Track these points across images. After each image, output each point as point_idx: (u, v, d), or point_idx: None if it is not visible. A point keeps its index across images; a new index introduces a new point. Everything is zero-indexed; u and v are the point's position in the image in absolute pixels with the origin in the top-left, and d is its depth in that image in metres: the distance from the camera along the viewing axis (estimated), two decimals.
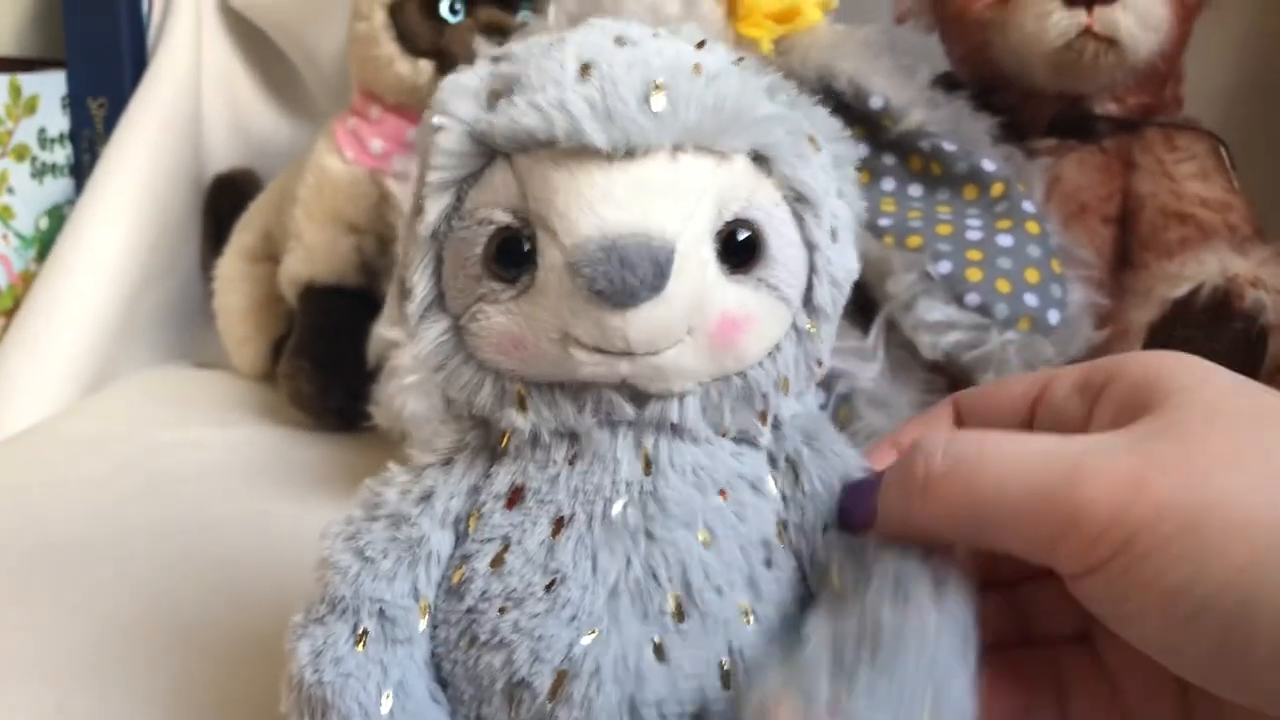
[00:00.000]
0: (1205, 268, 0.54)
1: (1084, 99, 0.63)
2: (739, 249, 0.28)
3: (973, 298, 0.53)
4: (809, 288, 0.30)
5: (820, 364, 0.31)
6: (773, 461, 0.31)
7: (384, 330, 0.58)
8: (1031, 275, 0.54)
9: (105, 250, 0.77)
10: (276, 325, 0.77)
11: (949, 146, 0.56)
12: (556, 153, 0.27)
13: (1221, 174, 0.62)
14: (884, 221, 0.56)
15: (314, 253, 0.72)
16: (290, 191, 0.75)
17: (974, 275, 0.53)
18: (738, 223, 0.28)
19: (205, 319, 0.82)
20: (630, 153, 0.26)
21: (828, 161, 0.30)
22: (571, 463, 0.29)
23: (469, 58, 0.34)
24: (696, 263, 0.27)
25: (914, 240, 0.55)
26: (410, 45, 0.68)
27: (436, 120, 0.29)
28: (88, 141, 0.86)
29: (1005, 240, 0.54)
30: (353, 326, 0.64)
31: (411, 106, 0.70)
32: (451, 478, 0.30)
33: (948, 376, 0.55)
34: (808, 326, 0.30)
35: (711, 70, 0.28)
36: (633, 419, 0.29)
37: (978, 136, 0.57)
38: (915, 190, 0.58)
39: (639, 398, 0.29)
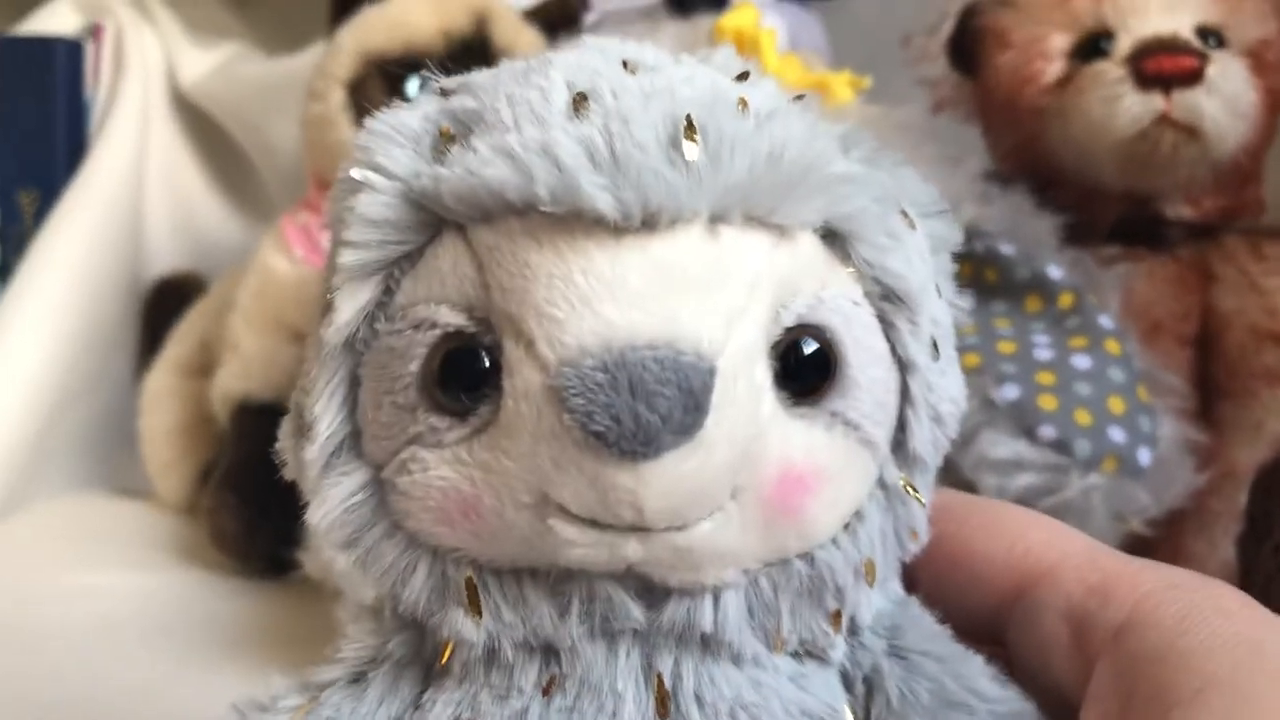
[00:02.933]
0: None
1: (1154, 200, 0.56)
2: (806, 368, 0.20)
3: (1047, 431, 0.44)
4: (901, 426, 0.21)
5: (916, 536, 0.22)
6: (847, 683, 0.22)
7: None
8: (1116, 405, 0.45)
9: (25, 360, 0.72)
10: (207, 449, 0.70)
11: (1007, 249, 0.48)
12: (537, 222, 0.19)
13: None
14: None
15: (251, 364, 0.65)
16: (231, 296, 0.69)
17: (1048, 403, 0.45)
18: (803, 329, 0.20)
19: (134, 441, 0.75)
20: (650, 224, 0.19)
21: (924, 245, 0.22)
22: (547, 693, 0.21)
23: None
24: (747, 389, 0.19)
25: (971, 359, 0.46)
26: None
27: (356, 174, 0.21)
28: (16, 238, 0.81)
29: (1082, 362, 0.46)
30: None
31: None
32: (364, 705, 0.22)
33: None
34: (900, 483, 0.21)
35: (764, 108, 0.20)
36: (642, 627, 0.21)
37: (1040, 238, 0.49)
38: (966, 301, 0.49)
39: (652, 594, 0.21)
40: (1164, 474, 0.45)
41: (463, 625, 0.20)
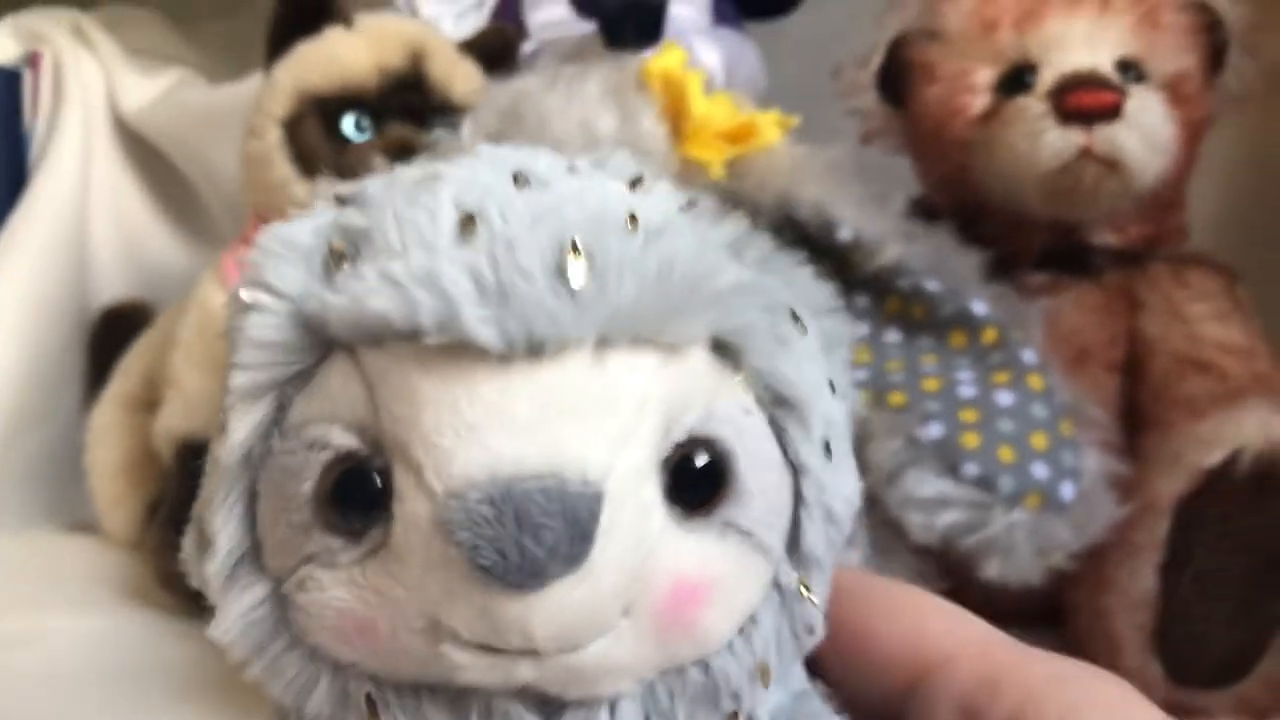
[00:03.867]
0: (1243, 429, 0.46)
1: (1079, 228, 0.56)
2: (696, 482, 0.20)
3: (970, 468, 0.45)
4: (794, 527, 0.21)
5: (812, 632, 0.22)
6: None
7: None
8: (1039, 441, 0.46)
9: None
10: (154, 484, 0.69)
11: (932, 286, 0.49)
12: (424, 349, 0.19)
13: (1240, 314, 0.55)
14: (859, 375, 0.47)
15: (193, 404, 0.64)
16: (174, 334, 0.68)
17: (971, 440, 0.45)
18: (694, 443, 0.20)
19: (83, 474, 0.74)
20: (535, 351, 0.19)
21: (815, 346, 0.22)
22: None
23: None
24: (635, 511, 0.19)
25: (896, 398, 0.46)
26: (308, 166, 0.61)
27: (247, 296, 0.20)
28: None
29: (1005, 398, 0.46)
30: None
31: None
32: None
33: (941, 562, 0.46)
34: (795, 584, 0.21)
35: (653, 223, 0.20)
36: None
37: (965, 273, 0.49)
38: (893, 337, 0.49)
39: (550, 705, 0.20)
40: (1087, 508, 0.45)
41: None
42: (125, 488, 0.70)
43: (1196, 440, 0.47)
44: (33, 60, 0.83)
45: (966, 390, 0.47)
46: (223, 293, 0.64)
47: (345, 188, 0.22)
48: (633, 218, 0.20)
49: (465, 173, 0.21)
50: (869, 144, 0.60)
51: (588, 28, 0.67)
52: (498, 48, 0.65)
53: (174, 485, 0.64)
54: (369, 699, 0.20)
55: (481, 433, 0.18)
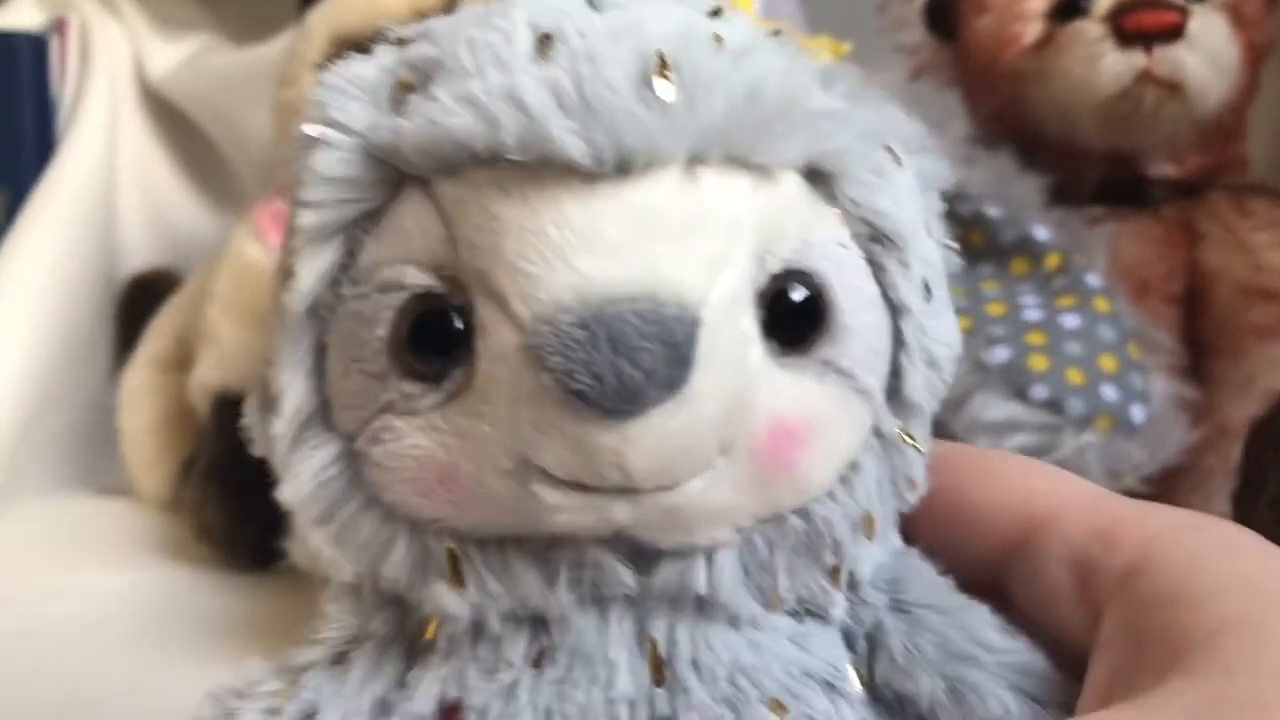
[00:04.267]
0: None
1: (1137, 159, 0.55)
2: (793, 316, 0.19)
3: (1039, 391, 0.44)
4: (895, 372, 0.20)
5: (914, 485, 0.21)
6: (849, 641, 0.21)
7: None
8: (1107, 363, 0.45)
9: (1, 362, 0.71)
10: (187, 445, 0.68)
11: (993, 212, 0.48)
12: (504, 173, 0.18)
13: None
14: None
15: (229, 356, 0.63)
16: (207, 288, 0.67)
17: (1038, 363, 0.44)
18: (790, 275, 0.19)
19: (113, 439, 0.74)
20: (624, 169, 0.18)
21: (912, 183, 0.21)
22: (537, 665, 0.20)
23: None
24: (733, 340, 0.19)
25: (960, 322, 0.45)
26: None
27: (312, 130, 0.20)
28: None
29: (1071, 321, 0.46)
30: None
31: None
32: (346, 685, 0.21)
33: None
34: (897, 431, 0.21)
35: (739, 43, 0.19)
36: (634, 592, 0.20)
37: (1026, 199, 0.49)
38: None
39: (643, 557, 0.20)
40: (1158, 431, 0.45)
41: (446, 599, 0.20)
42: (158, 449, 0.70)
43: (1270, 363, 0.46)
44: (59, 27, 0.83)
45: (1032, 314, 0.46)
46: (257, 246, 0.64)
47: (406, 29, 0.21)
48: (718, 37, 0.19)
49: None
50: (917, 78, 0.59)
51: None
52: None
53: (211, 438, 0.63)
54: (451, 555, 0.19)
55: (569, 255, 0.18)
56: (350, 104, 0.20)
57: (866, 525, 0.20)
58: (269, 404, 0.21)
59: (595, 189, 0.18)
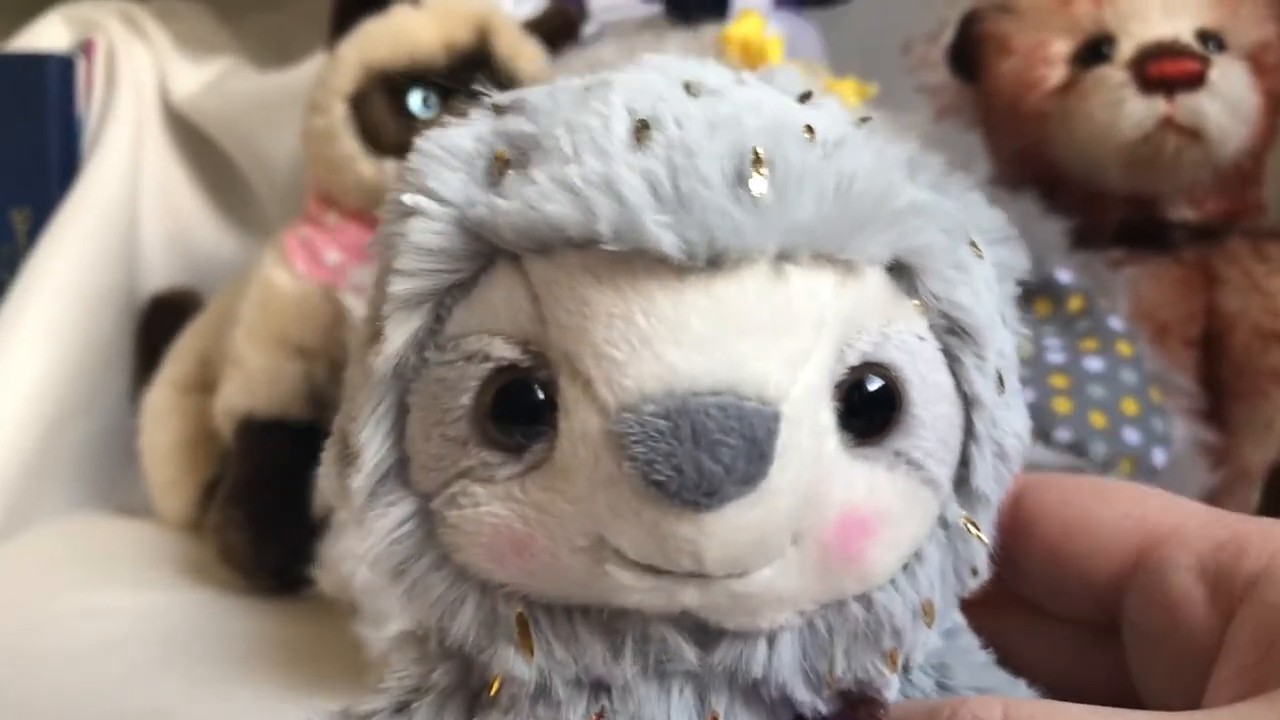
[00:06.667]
0: None
1: (1157, 202, 0.56)
2: (870, 407, 0.20)
3: (1063, 434, 0.44)
4: (964, 462, 0.21)
5: (975, 574, 0.21)
6: None
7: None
8: (1129, 407, 0.45)
9: (21, 380, 0.71)
10: (209, 466, 0.69)
11: None
12: (597, 258, 0.19)
13: None
14: None
15: (255, 380, 0.64)
16: (231, 312, 0.68)
17: (1062, 406, 0.45)
18: (868, 367, 0.20)
19: (132, 458, 0.74)
20: (714, 263, 0.18)
21: (991, 274, 0.21)
22: None
23: None
24: (811, 434, 0.19)
25: None
26: (374, 142, 0.61)
27: (409, 200, 0.20)
28: (8, 256, 0.80)
29: (1094, 364, 0.46)
30: (297, 469, 0.55)
31: (374, 212, 0.61)
32: None
33: None
34: (962, 521, 0.21)
35: (830, 136, 0.20)
36: (695, 669, 0.20)
37: (1049, 242, 0.49)
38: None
39: (707, 634, 0.20)
40: (1179, 474, 0.45)
41: (514, 662, 0.20)
42: (180, 470, 0.70)
43: None
44: (86, 48, 0.83)
45: (1055, 356, 0.47)
46: (284, 272, 0.64)
47: (502, 96, 0.22)
48: (809, 128, 0.19)
49: (635, 80, 0.20)
50: (941, 119, 0.59)
51: (649, 9, 0.67)
52: (560, 28, 0.65)
53: (235, 462, 0.64)
54: (520, 620, 0.20)
55: (656, 345, 0.18)
56: (447, 174, 0.20)
57: (927, 613, 0.21)
58: (347, 458, 0.21)
59: (685, 282, 0.18)
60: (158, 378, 0.73)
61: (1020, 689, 0.22)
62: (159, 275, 0.83)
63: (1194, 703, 0.21)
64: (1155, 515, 0.23)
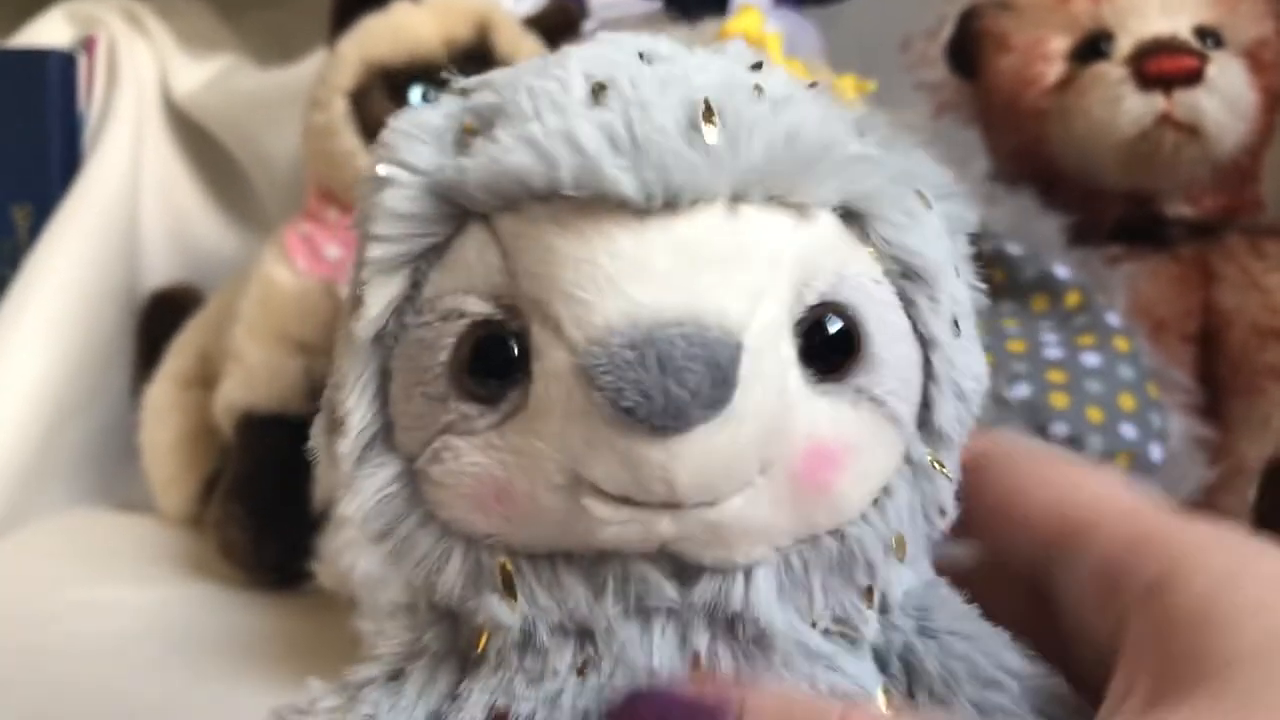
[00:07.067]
0: None
1: (1155, 199, 0.56)
2: (830, 345, 0.20)
3: (1059, 428, 0.44)
4: (925, 402, 0.22)
5: (943, 514, 0.22)
6: (881, 664, 0.22)
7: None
8: (1126, 402, 0.45)
9: (21, 376, 0.71)
10: (209, 462, 0.69)
11: (1014, 249, 0.48)
12: (560, 208, 0.20)
13: None
14: None
15: (255, 376, 0.64)
16: (232, 307, 0.68)
17: (1059, 401, 0.45)
18: (826, 306, 0.20)
19: (132, 454, 0.75)
20: (672, 204, 0.19)
21: (940, 225, 0.22)
22: (582, 673, 0.21)
23: None
24: (773, 364, 0.20)
25: None
26: (374, 138, 0.59)
27: (383, 170, 0.21)
28: (9, 253, 0.80)
29: (1091, 359, 0.46)
30: (297, 464, 0.54)
31: None
32: (402, 700, 0.22)
33: None
34: (928, 459, 0.21)
35: (779, 93, 0.21)
36: (676, 605, 0.21)
37: (1047, 238, 0.49)
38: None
39: (685, 572, 0.21)
40: (1176, 469, 0.45)
41: (499, 611, 0.21)
42: (180, 466, 0.70)
43: None
44: (87, 44, 0.83)
45: (1052, 351, 0.47)
46: (285, 268, 0.65)
47: (469, 80, 0.23)
48: (758, 87, 0.21)
49: (591, 51, 0.21)
50: (939, 116, 0.59)
51: (648, 6, 0.67)
52: (560, 24, 0.66)
53: (235, 458, 0.64)
54: (504, 569, 0.21)
55: (621, 283, 0.19)
56: (418, 146, 0.21)
57: (899, 547, 0.21)
58: (334, 425, 0.22)
59: (645, 223, 0.19)
60: (158, 373, 0.73)
61: (1002, 638, 0.23)
62: (160, 271, 0.83)
63: (1096, 695, 0.21)
64: (1083, 502, 0.23)
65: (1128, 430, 0.45)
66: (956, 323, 0.22)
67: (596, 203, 0.19)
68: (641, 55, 0.21)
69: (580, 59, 0.21)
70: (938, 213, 0.22)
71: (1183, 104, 0.51)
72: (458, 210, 0.21)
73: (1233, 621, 0.19)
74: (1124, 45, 0.53)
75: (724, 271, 0.19)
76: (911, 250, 0.21)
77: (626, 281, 0.19)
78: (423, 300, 0.21)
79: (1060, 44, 0.54)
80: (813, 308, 0.20)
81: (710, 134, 0.19)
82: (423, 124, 0.21)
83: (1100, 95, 0.52)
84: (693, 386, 0.18)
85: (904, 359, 0.21)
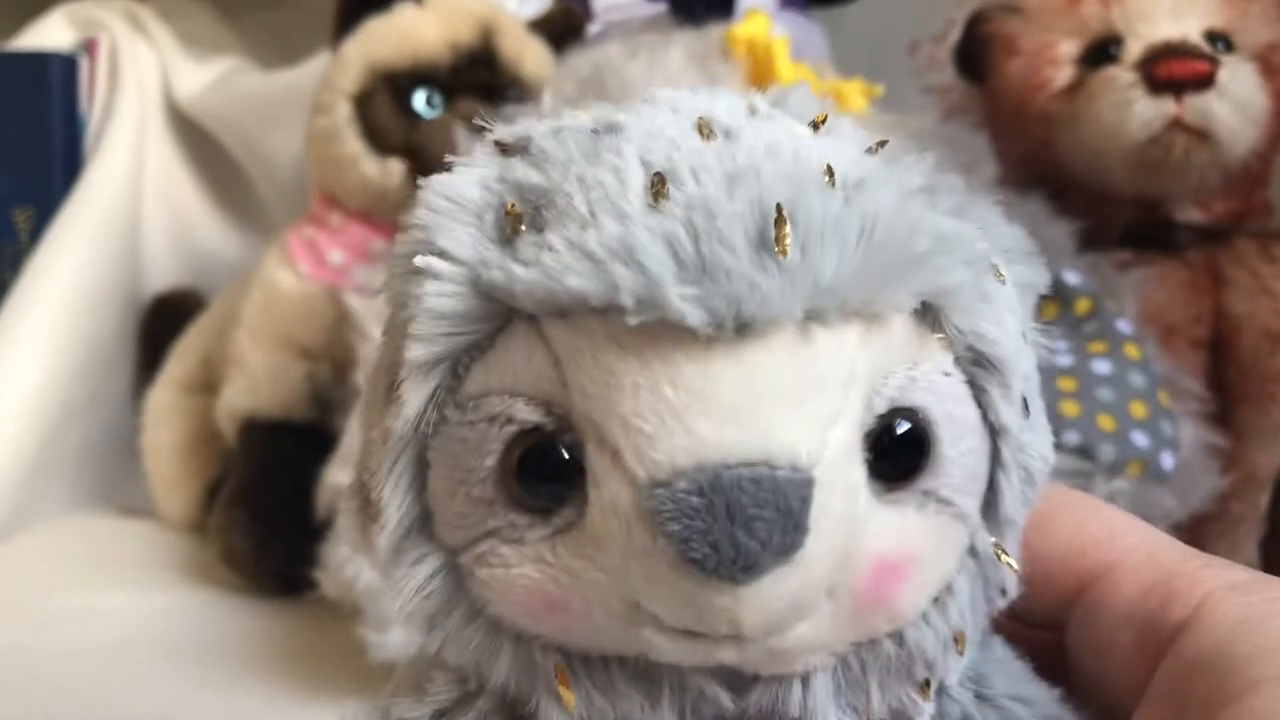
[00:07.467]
0: None
1: (1164, 204, 0.55)
2: (898, 452, 0.19)
3: (1071, 436, 0.44)
4: (991, 488, 0.20)
5: (1005, 594, 0.21)
6: None
7: (336, 476, 0.49)
8: (1138, 409, 0.45)
9: (23, 379, 0.71)
10: (211, 467, 0.69)
11: None
12: (619, 325, 0.18)
13: None
14: None
15: (258, 381, 0.64)
16: (234, 312, 0.68)
17: (1070, 409, 0.44)
18: (896, 412, 0.19)
19: (134, 459, 0.74)
20: (741, 331, 0.18)
21: (1014, 297, 0.21)
22: None
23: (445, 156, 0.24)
24: (844, 494, 0.18)
25: None
26: (378, 142, 0.61)
27: (421, 262, 0.19)
28: (11, 256, 0.80)
29: (1102, 367, 0.46)
30: (300, 470, 0.56)
31: (378, 213, 0.62)
32: None
33: None
34: (990, 548, 0.20)
35: (850, 176, 0.19)
36: (731, 716, 0.20)
37: (1057, 244, 0.48)
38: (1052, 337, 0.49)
39: (741, 680, 0.20)
40: (1188, 478, 0.45)
41: (553, 711, 0.20)
42: (182, 471, 0.70)
43: None
44: (89, 47, 0.83)
45: (1063, 359, 0.46)
46: (288, 273, 0.64)
47: (505, 133, 0.21)
48: (829, 170, 0.19)
49: (646, 123, 0.20)
50: (948, 120, 0.59)
51: (653, 8, 0.66)
52: (564, 28, 0.65)
53: (238, 463, 0.64)
54: (559, 670, 0.20)
55: (686, 418, 0.18)
56: (458, 230, 0.19)
57: (958, 642, 0.20)
58: (368, 511, 0.21)
59: (711, 349, 0.18)
60: (160, 378, 0.73)
61: (1057, 699, 0.22)
62: (161, 275, 0.83)
63: None
64: (1093, 549, 0.23)
65: (1139, 438, 0.44)
66: (1026, 404, 0.20)
67: (660, 326, 0.18)
68: (700, 129, 0.19)
69: (635, 138, 0.19)
70: (1011, 284, 0.21)
71: (1193, 108, 0.50)
72: (503, 308, 0.19)
73: (1248, 664, 0.19)
74: (1133, 49, 0.52)
75: (794, 403, 0.18)
76: (986, 338, 0.20)
77: (691, 415, 0.18)
78: (465, 395, 0.20)
79: (1069, 48, 0.54)
80: (881, 416, 0.19)
81: (784, 248, 0.18)
82: (460, 198, 0.20)
83: (1110, 100, 0.51)
84: (763, 536, 0.17)
85: (973, 453, 0.20)
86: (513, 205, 0.19)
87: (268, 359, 0.64)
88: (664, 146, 0.19)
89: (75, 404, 0.73)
